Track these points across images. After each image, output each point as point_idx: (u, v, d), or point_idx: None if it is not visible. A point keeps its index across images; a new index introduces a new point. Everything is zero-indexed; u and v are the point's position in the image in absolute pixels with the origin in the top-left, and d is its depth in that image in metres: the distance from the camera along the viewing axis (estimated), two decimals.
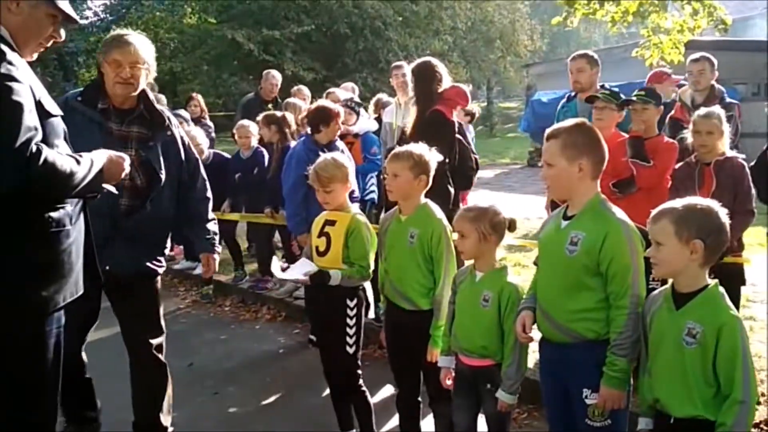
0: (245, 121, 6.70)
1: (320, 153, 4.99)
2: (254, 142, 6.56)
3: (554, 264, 2.58)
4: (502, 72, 31.11)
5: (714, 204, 2.28)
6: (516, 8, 29.66)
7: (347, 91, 7.11)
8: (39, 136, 2.11)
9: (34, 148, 2.06)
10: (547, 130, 2.64)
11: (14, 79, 2.09)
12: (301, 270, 3.46)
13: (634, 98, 4.25)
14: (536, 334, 2.78)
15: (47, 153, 2.09)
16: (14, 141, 2.02)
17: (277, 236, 6.89)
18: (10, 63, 2.11)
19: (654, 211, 2.31)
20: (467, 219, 2.91)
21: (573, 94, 5.23)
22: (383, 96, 6.85)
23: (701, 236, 2.20)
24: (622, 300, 2.43)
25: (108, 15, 25.81)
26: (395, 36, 23.40)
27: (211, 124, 8.54)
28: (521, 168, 17.66)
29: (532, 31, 31.43)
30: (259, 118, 6.37)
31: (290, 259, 6.48)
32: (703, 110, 4.12)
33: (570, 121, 2.68)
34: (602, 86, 4.86)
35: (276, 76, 8.40)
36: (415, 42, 23.87)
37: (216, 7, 22.43)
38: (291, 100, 7.05)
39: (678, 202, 2.31)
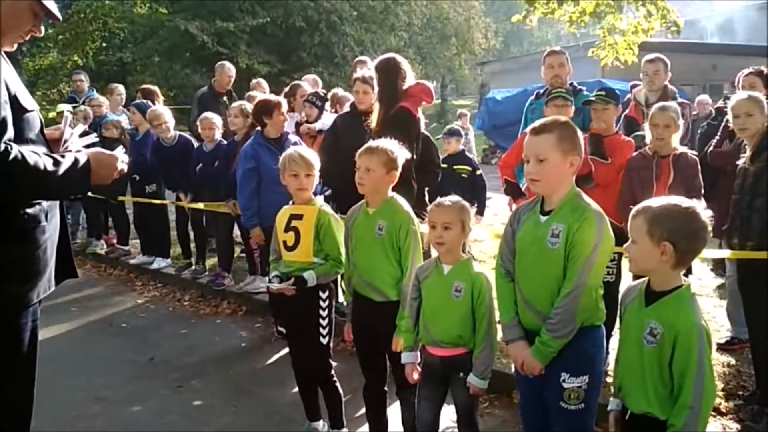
0: (209, 114, 6.65)
1: (270, 147, 5.07)
2: (218, 135, 6.51)
3: (537, 258, 2.61)
4: (456, 69, 31.43)
5: (694, 205, 2.22)
6: (471, 6, 30.02)
7: (310, 83, 7.12)
8: (9, 134, 2.06)
9: (2, 147, 2.02)
10: (537, 123, 2.65)
11: None
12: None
13: (594, 98, 4.40)
14: None
15: (16, 151, 2.05)
16: None
17: (236, 230, 6.85)
18: None
19: (634, 209, 2.32)
20: (455, 211, 2.95)
21: (541, 91, 5.37)
22: (339, 90, 6.88)
23: (672, 239, 2.17)
24: (569, 283, 2.50)
25: (54, 2, 25.09)
26: (351, 31, 23.39)
27: None
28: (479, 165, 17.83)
29: (487, 29, 31.85)
30: (236, 104, 6.28)
31: (248, 253, 6.48)
32: (660, 104, 4.28)
33: (558, 117, 2.72)
34: (571, 84, 5.02)
35: (231, 68, 8.34)
36: (371, 37, 23.92)
37: None
38: (252, 93, 7.01)
39: (656, 201, 2.28)
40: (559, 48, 5.53)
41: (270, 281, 3.61)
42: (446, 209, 2.97)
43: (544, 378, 2.64)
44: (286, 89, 6.62)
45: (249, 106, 6.17)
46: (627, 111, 5.54)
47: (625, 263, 4.42)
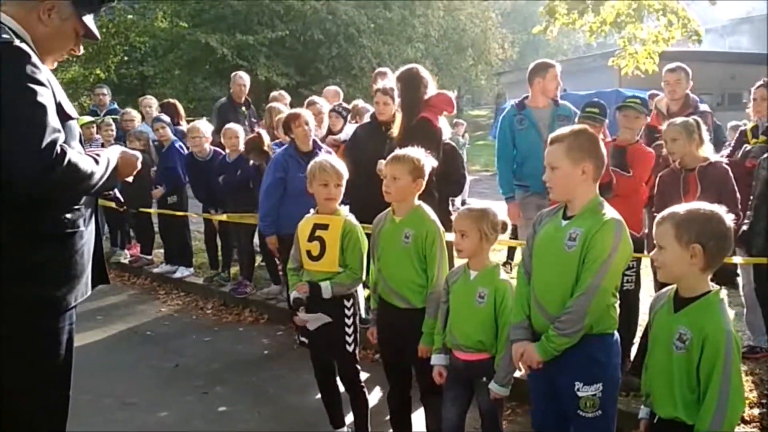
0: (232, 125, 6.76)
1: (299, 160, 5.13)
2: (241, 146, 6.60)
3: (553, 260, 2.68)
4: (473, 80, 31.44)
5: (718, 209, 2.27)
6: (487, 17, 30.00)
7: (331, 96, 7.20)
8: (62, 138, 2.15)
9: (59, 150, 2.10)
10: (551, 135, 2.77)
11: (38, 82, 2.14)
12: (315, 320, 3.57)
13: (631, 104, 4.36)
14: None
15: (71, 154, 2.14)
16: (40, 142, 2.06)
17: (256, 239, 6.91)
18: (34, 66, 2.16)
19: (658, 216, 2.37)
20: (470, 218, 3.03)
21: (519, 102, 5.44)
22: (360, 102, 6.95)
23: (701, 240, 2.21)
24: (583, 284, 2.55)
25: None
26: (369, 43, 23.49)
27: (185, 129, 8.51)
28: (492, 175, 17.85)
29: (503, 40, 31.84)
30: (282, 116, 6.00)
31: (269, 262, 6.55)
32: (671, 119, 4.29)
33: (573, 127, 2.82)
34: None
35: (243, 77, 8.45)
36: (389, 49, 24.00)
37: (188, 12, 22.26)
38: (274, 104, 7.09)
39: (681, 207, 2.32)
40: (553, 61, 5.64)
41: (292, 305, 3.61)
42: (462, 217, 3.07)
43: (558, 388, 2.69)
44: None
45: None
46: (648, 120, 5.56)
47: (644, 272, 4.46)
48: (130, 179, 2.58)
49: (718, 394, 2.13)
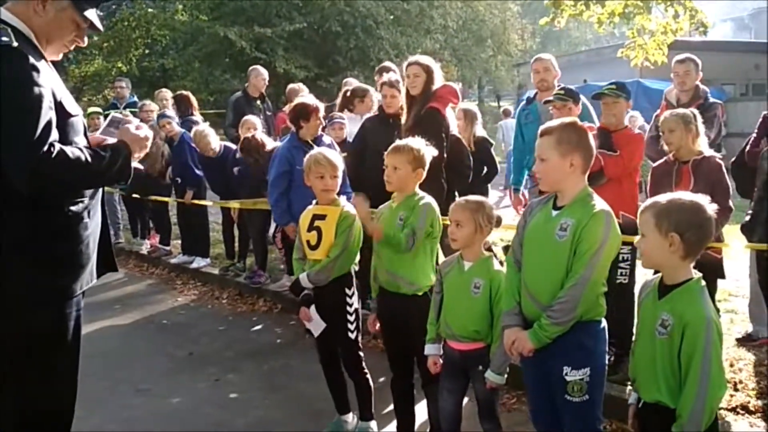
0: (252, 117, 6.86)
1: (304, 149, 5.16)
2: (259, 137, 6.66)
3: (543, 250, 2.73)
4: (492, 71, 31.29)
5: (699, 199, 2.31)
6: (507, 8, 29.85)
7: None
8: (54, 136, 2.22)
9: (47, 147, 2.18)
10: (541, 128, 2.82)
11: (34, 83, 2.21)
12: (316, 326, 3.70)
13: (606, 91, 4.39)
14: None
15: (60, 149, 2.22)
16: (29, 139, 2.15)
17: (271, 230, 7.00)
18: (32, 67, 2.23)
19: (642, 204, 2.43)
20: (467, 209, 3.08)
21: (532, 96, 5.53)
22: (351, 80, 6.96)
23: (679, 230, 2.26)
24: (575, 275, 2.60)
25: (98, 11, 25.69)
26: (386, 35, 23.46)
27: (199, 120, 8.56)
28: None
29: (523, 31, 31.65)
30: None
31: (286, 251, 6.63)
32: (670, 110, 4.29)
33: (563, 120, 2.86)
34: (561, 87, 5.06)
35: (263, 73, 8.52)
36: (407, 40, 23.95)
37: (208, 5, 22.42)
38: (300, 93, 7.11)
39: (664, 196, 2.37)
40: (545, 54, 5.76)
41: (301, 301, 3.72)
42: (458, 207, 3.12)
43: (548, 372, 2.74)
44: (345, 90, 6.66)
45: None
46: (658, 111, 5.54)
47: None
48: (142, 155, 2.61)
49: (699, 380, 2.18)
